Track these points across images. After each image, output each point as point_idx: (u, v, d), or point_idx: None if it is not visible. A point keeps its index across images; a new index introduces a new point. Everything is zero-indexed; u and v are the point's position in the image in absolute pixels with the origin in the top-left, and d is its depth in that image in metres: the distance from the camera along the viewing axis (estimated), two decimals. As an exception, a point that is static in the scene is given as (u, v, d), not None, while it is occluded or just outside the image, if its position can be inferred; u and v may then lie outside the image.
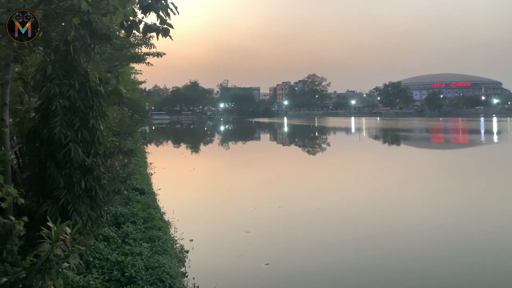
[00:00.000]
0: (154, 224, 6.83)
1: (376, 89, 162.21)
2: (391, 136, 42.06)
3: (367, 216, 10.13)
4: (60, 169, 4.61)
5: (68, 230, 2.81)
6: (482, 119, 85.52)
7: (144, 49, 17.45)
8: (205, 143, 37.92)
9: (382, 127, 58.94)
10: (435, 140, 38.71)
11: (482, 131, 47.12)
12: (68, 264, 2.77)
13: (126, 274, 4.56)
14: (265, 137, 48.69)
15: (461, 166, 20.29)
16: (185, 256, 6.69)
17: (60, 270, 2.70)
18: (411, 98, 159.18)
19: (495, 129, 50.22)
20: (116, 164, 6.93)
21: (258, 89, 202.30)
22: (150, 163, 17.75)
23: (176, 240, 7.31)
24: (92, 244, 4.98)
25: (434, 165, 21.02)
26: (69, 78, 4.71)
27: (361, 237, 8.42)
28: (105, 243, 5.44)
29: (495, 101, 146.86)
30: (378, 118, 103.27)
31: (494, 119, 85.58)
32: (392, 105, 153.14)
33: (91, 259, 4.72)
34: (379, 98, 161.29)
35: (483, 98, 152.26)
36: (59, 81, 4.64)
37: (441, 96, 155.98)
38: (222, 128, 69.51)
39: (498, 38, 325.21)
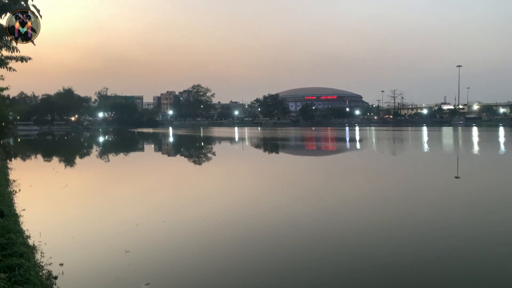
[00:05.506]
0: (14, 251, 6.02)
1: (257, 100, 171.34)
2: (270, 145, 44.68)
3: (252, 224, 10.52)
4: None
5: None
6: (347, 128, 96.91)
7: (5, 52, 15.38)
8: (81, 156, 34.93)
9: (263, 137, 62.23)
10: (309, 148, 42.41)
11: (347, 139, 53.34)
12: None
13: (-24, 313, 3.94)
14: (149, 148, 46.98)
15: (330, 170, 22.57)
16: (53, 283, 6.06)
17: None
18: (287, 109, 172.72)
19: (357, 137, 57.36)
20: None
21: (141, 98, 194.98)
22: (14, 181, 15.87)
23: (42, 266, 6.58)
24: None
25: (309, 169, 22.97)
26: None
27: (247, 246, 8.66)
28: None
29: (357, 112, 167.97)
30: (259, 128, 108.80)
31: (357, 128, 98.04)
32: (271, 115, 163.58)
33: None
34: (259, 109, 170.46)
35: (347, 109, 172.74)
36: None
37: (313, 107, 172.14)
38: (101, 139, 64.85)
39: (357, 55, 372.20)
